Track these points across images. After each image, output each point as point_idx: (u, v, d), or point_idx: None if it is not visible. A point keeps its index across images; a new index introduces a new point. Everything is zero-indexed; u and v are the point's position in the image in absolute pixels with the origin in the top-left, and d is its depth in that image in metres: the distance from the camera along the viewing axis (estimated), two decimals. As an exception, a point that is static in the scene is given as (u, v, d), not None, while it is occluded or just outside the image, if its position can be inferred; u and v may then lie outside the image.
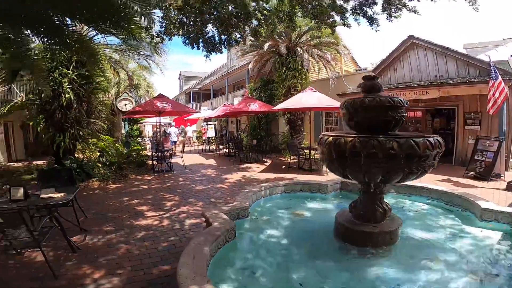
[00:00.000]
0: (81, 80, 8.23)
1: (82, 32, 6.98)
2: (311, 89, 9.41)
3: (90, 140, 9.03)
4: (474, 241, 3.09)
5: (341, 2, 6.02)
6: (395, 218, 3.08)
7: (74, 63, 8.14)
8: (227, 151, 14.74)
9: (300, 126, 12.70)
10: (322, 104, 8.89)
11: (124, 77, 12.49)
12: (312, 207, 4.34)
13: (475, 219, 3.55)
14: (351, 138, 2.54)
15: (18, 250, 3.32)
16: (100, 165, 8.62)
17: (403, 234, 3.13)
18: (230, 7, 6.77)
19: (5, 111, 10.68)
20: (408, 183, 4.62)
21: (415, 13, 5.51)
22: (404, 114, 2.88)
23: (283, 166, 9.87)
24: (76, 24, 4.74)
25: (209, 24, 7.44)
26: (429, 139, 2.46)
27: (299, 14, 6.83)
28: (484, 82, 7.60)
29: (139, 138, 20.17)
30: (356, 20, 6.08)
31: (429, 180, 6.96)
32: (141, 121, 23.08)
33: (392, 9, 5.56)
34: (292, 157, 9.52)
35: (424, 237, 3.20)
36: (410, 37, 10.49)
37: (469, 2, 4.76)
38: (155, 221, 4.69)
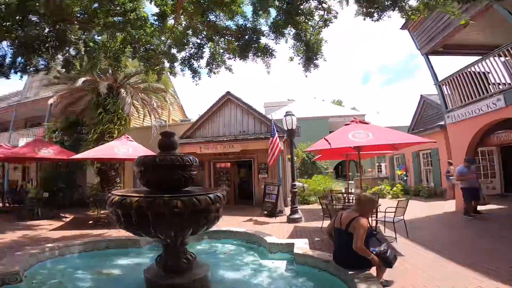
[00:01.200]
0: None
1: None
2: (127, 137, 8.69)
3: None
4: (269, 272, 3.68)
5: (174, 51, 6.11)
6: (202, 265, 3.16)
7: None
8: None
9: (115, 177, 11.07)
10: (137, 155, 8.17)
11: None
12: (123, 263, 3.91)
13: (267, 252, 4.25)
14: (136, 198, 2.52)
15: None
16: None
17: (217, 277, 3.29)
18: (47, 28, 5.43)
19: None
20: (215, 228, 4.90)
21: (230, 71, 6.19)
22: (194, 172, 3.06)
23: (90, 222, 8.24)
24: None
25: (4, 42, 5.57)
26: (210, 195, 2.67)
27: (129, 54, 6.41)
28: (268, 138, 9.38)
29: None
30: (182, 70, 6.35)
31: (238, 221, 8.00)
32: None
33: (214, 65, 6.09)
34: (103, 212, 8.13)
35: (234, 277, 3.50)
36: (228, 93, 12.14)
37: (265, 65, 5.85)
38: None
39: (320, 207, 6.95)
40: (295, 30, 5.24)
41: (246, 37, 5.50)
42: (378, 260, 2.91)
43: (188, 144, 11.24)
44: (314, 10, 5.22)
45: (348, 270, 2.94)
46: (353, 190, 9.31)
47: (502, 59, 6.83)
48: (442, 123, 10.72)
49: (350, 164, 13.51)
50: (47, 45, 5.59)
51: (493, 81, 7.19)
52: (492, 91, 7.12)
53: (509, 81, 6.82)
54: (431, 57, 9.29)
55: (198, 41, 6.05)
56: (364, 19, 4.66)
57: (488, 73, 7.26)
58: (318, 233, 6.30)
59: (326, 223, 6.14)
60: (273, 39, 5.36)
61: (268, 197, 9.44)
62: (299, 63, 5.50)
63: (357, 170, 8.59)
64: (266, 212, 9.15)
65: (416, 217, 7.60)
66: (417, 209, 8.86)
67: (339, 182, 14.42)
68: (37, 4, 4.86)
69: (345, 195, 8.41)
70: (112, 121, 10.74)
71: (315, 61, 5.38)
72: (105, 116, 10.66)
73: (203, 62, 6.24)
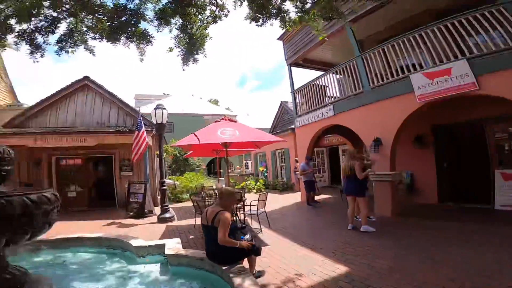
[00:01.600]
0: None
1: None
2: None
3: None
4: (141, 278, 3.33)
5: (13, 22, 4.61)
6: (40, 279, 2.52)
7: None
8: None
9: None
10: None
11: None
12: None
13: (135, 257, 3.83)
14: None
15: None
16: None
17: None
18: None
19: None
20: (62, 235, 4.39)
21: (91, 52, 5.22)
22: (7, 168, 2.47)
23: None
24: None
25: None
26: (30, 196, 2.16)
27: None
28: (132, 132, 8.48)
29: None
30: (17, 44, 4.76)
31: (97, 226, 6.94)
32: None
33: (69, 43, 4.89)
34: None
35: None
36: (86, 77, 10.24)
37: (139, 52, 5.18)
38: None
39: (193, 204, 6.90)
40: (182, 21, 4.99)
41: (123, 18, 4.81)
42: (249, 246, 3.10)
43: (16, 135, 8.55)
44: (208, 4, 5.14)
45: (222, 265, 3.02)
46: (219, 186, 9.70)
47: (337, 76, 8.93)
48: (293, 126, 12.61)
49: (221, 161, 14.11)
50: None
51: (329, 94, 9.22)
52: (327, 102, 9.11)
53: (338, 95, 8.99)
54: (294, 69, 11.03)
55: (55, 14, 4.79)
56: (250, 23, 5.05)
57: (326, 86, 9.24)
58: (192, 231, 6.24)
59: (199, 220, 6.22)
60: (155, 26, 4.93)
61: (133, 197, 8.62)
62: (178, 55, 5.26)
63: (223, 168, 9.05)
64: (132, 213, 8.30)
65: (275, 208, 8.82)
66: (275, 201, 10.28)
67: (210, 179, 14.84)
68: None
69: (216, 191, 8.66)
70: None
71: (195, 56, 5.25)
72: None
73: (54, 37, 4.92)
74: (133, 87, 78.86)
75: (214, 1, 5.18)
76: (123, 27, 4.80)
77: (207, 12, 5.22)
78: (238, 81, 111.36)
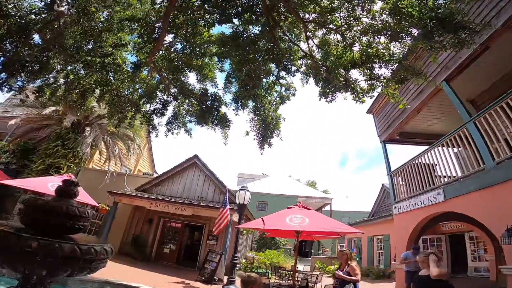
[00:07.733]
0: None
1: None
2: (70, 176, 7.91)
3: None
4: None
5: (141, 102, 6.09)
6: None
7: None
8: None
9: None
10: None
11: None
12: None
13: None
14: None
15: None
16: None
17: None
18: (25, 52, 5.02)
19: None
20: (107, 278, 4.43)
21: (189, 134, 6.18)
22: (83, 223, 2.84)
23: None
24: None
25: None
26: (81, 246, 2.51)
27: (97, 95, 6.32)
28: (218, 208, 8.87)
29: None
30: (142, 123, 6.51)
31: (165, 281, 7.35)
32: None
33: (174, 125, 6.05)
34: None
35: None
36: (195, 156, 12.06)
37: (222, 135, 5.83)
38: None
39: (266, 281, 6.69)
40: (253, 103, 5.41)
41: (208, 102, 5.61)
42: None
43: (138, 198, 11.18)
44: (273, 84, 5.50)
45: None
46: (298, 268, 8.52)
47: (452, 149, 6.16)
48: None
49: (306, 244, 15.19)
50: (28, 68, 5.41)
51: (439, 173, 6.34)
52: (436, 183, 6.18)
53: (454, 174, 6.02)
54: (390, 146, 8.47)
55: (165, 97, 6.04)
56: (320, 99, 4.89)
57: (435, 165, 6.48)
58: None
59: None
60: (234, 109, 5.49)
61: (208, 264, 9.13)
62: (254, 139, 5.52)
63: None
64: (203, 278, 8.87)
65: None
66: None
67: (292, 259, 12.62)
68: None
69: (290, 272, 8.09)
70: (66, 156, 10.37)
71: (270, 139, 5.47)
72: (60, 150, 10.28)
73: (164, 119, 5.96)
74: (238, 166, 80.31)
75: (277, 81, 5.40)
76: (208, 110, 5.62)
77: (274, 93, 5.63)
78: (339, 161, 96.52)
